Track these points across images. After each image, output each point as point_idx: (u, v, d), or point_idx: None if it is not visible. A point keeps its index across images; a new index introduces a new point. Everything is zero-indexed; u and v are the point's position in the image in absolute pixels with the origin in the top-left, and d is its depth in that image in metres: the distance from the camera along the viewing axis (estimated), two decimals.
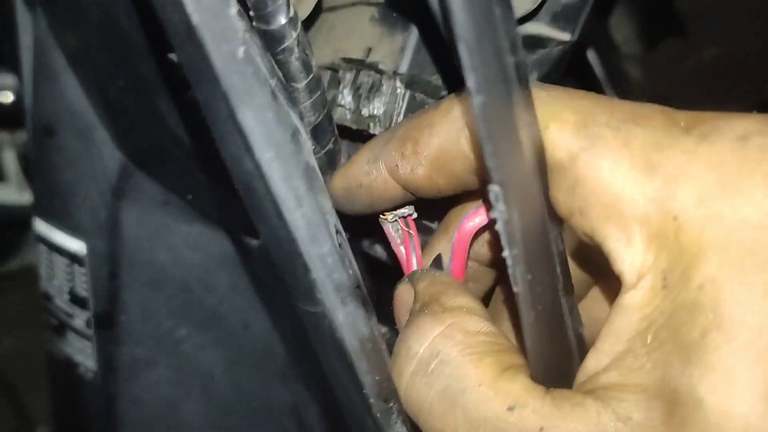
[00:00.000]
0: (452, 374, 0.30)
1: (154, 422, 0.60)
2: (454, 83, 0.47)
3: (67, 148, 0.58)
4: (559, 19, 0.48)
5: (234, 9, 0.27)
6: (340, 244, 0.42)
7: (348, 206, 0.40)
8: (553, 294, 0.30)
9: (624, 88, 0.79)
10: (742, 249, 0.25)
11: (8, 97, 2.01)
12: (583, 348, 0.36)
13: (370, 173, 0.37)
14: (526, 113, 0.27)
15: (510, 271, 0.27)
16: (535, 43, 0.48)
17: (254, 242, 0.58)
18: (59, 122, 0.58)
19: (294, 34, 0.39)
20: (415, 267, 0.44)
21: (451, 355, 0.30)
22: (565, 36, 0.48)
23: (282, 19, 0.38)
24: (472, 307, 0.33)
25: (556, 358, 0.31)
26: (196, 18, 0.26)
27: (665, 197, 0.26)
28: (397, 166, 0.35)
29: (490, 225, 0.44)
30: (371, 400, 0.33)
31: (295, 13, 0.39)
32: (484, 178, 0.33)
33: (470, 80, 0.23)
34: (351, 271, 0.32)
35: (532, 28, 0.49)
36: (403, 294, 0.36)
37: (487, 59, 0.24)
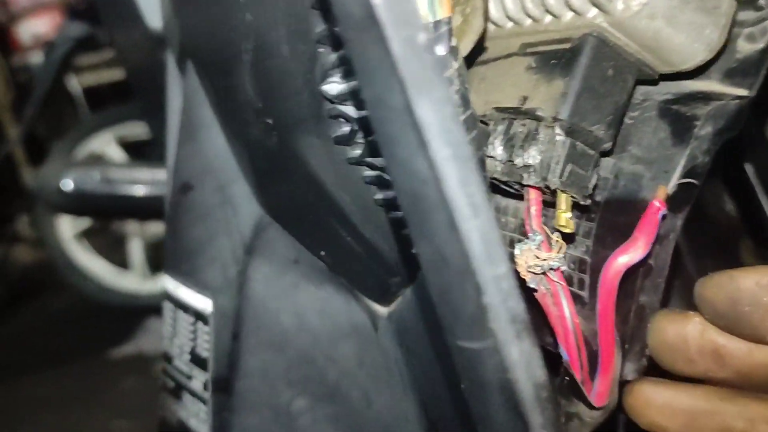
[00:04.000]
0: None
1: None
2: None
3: (203, 203, 0.58)
4: (734, 75, 0.43)
5: None
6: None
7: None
8: None
9: None
10: None
11: (141, 190, 2.14)
12: None
13: None
14: None
15: None
16: (707, 96, 0.44)
17: (383, 310, 0.54)
18: (196, 178, 0.58)
19: (455, 65, 0.37)
20: (571, 328, 0.39)
21: None
22: (741, 92, 0.43)
23: (442, 49, 0.36)
24: None
25: None
26: None
27: None
28: None
29: (643, 264, 0.39)
30: None
31: (456, 44, 0.37)
32: None
33: None
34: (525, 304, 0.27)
35: (702, 85, 0.45)
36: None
37: None
